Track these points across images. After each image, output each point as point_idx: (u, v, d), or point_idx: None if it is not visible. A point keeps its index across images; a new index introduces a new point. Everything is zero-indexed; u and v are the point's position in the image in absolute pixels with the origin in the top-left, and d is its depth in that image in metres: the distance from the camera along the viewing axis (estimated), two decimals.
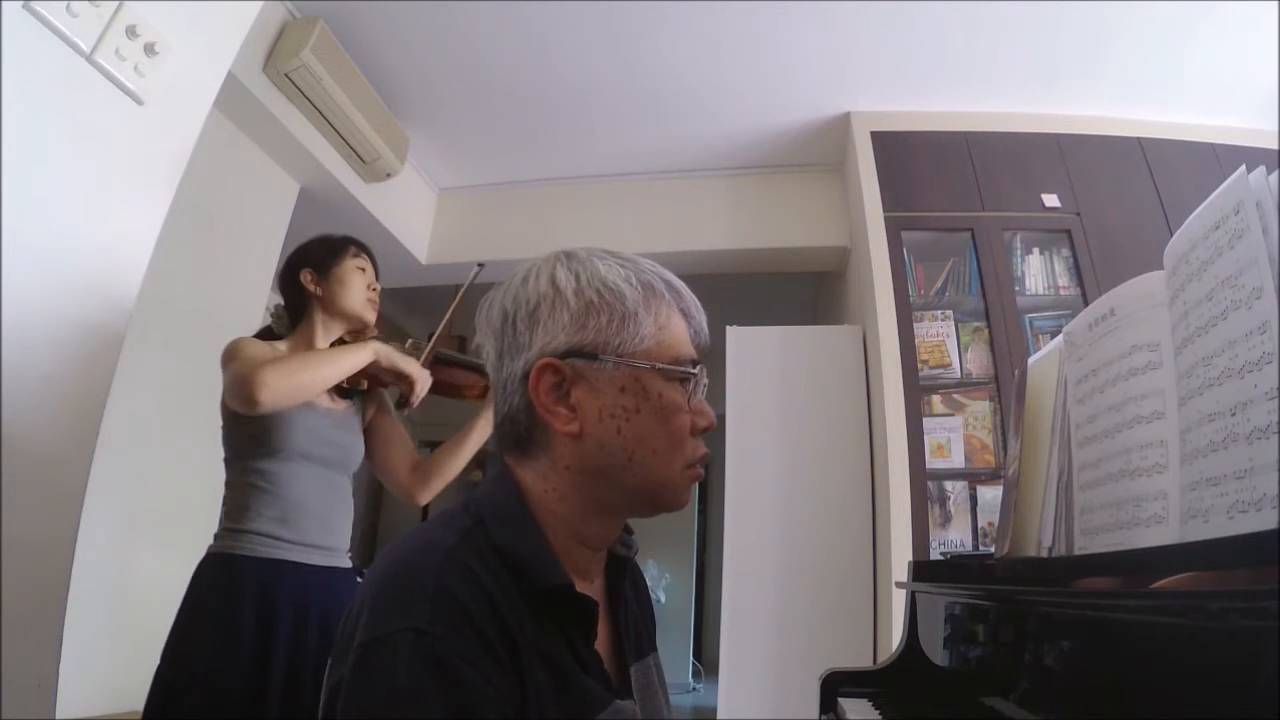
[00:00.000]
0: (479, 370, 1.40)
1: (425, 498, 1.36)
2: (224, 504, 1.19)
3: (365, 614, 0.49)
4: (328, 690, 0.50)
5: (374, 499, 4.85)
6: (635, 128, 3.00)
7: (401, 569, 0.52)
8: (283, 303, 1.35)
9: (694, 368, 0.61)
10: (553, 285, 0.60)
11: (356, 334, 1.35)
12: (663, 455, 0.59)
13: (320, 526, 1.20)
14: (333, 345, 1.31)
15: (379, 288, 1.38)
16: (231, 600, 1.09)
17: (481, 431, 1.38)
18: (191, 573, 1.15)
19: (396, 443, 1.39)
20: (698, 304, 0.65)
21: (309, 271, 1.31)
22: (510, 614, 0.50)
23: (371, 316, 1.34)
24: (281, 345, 1.29)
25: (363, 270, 1.34)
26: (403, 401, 1.31)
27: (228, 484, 1.20)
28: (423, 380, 1.30)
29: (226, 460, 1.22)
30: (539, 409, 0.59)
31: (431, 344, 1.38)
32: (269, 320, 1.38)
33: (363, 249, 1.37)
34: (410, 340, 1.40)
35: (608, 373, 0.58)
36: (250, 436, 1.18)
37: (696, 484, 0.65)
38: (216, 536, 1.17)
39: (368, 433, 1.37)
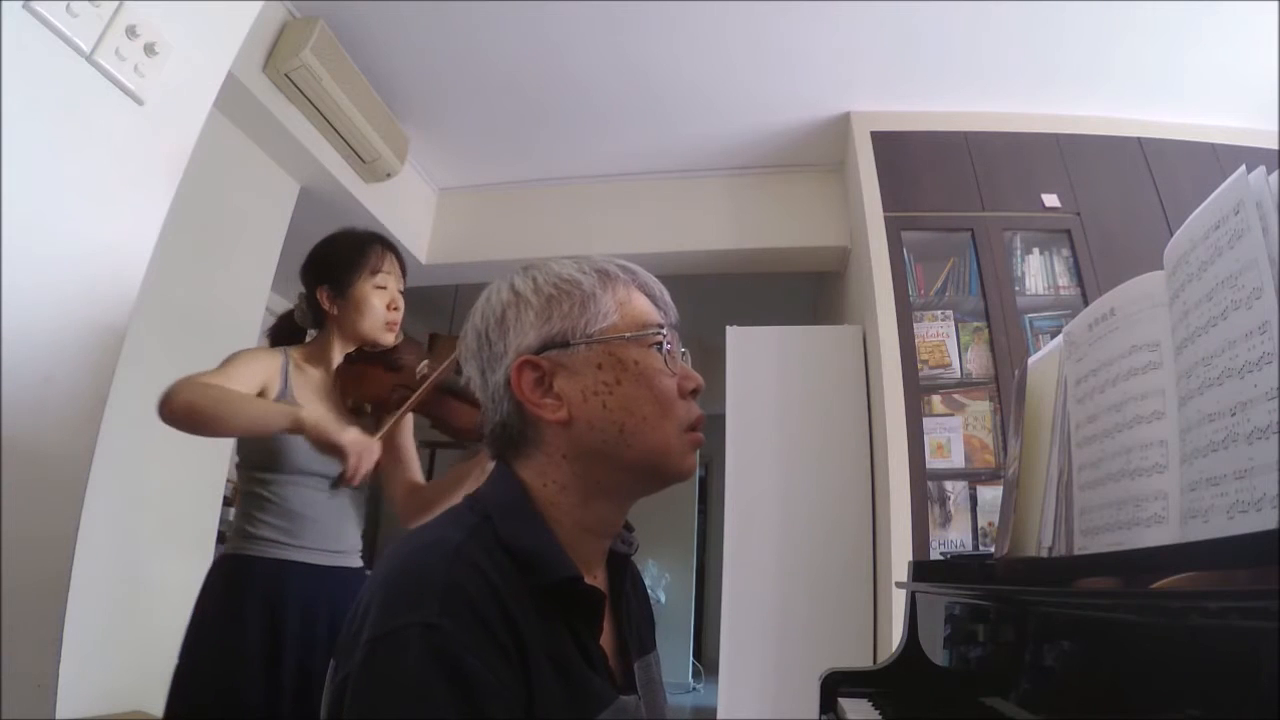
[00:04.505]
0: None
1: (411, 524, 1.28)
2: (235, 507, 1.22)
3: (373, 610, 0.50)
4: (334, 686, 0.50)
5: (375, 496, 4.84)
6: (636, 128, 3.00)
7: (410, 565, 0.53)
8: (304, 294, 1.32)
9: (661, 330, 0.63)
10: (513, 292, 0.64)
11: (372, 347, 1.31)
12: (653, 421, 0.60)
13: (323, 533, 1.20)
14: (347, 356, 1.30)
15: (401, 304, 1.32)
16: (240, 599, 1.11)
17: (479, 474, 1.26)
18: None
19: (401, 462, 1.33)
20: (656, 281, 0.68)
21: (325, 290, 1.27)
22: (518, 611, 0.51)
23: (389, 339, 1.30)
24: (295, 351, 1.28)
25: (382, 288, 1.28)
26: (341, 479, 1.13)
27: (238, 490, 1.23)
28: (359, 451, 1.10)
29: (237, 466, 1.24)
30: (527, 405, 0.60)
31: (438, 372, 1.24)
32: (268, 320, 1.36)
33: (386, 251, 1.31)
34: (424, 362, 1.30)
35: (582, 355, 0.61)
36: (253, 449, 1.19)
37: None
38: (228, 538, 1.20)
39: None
